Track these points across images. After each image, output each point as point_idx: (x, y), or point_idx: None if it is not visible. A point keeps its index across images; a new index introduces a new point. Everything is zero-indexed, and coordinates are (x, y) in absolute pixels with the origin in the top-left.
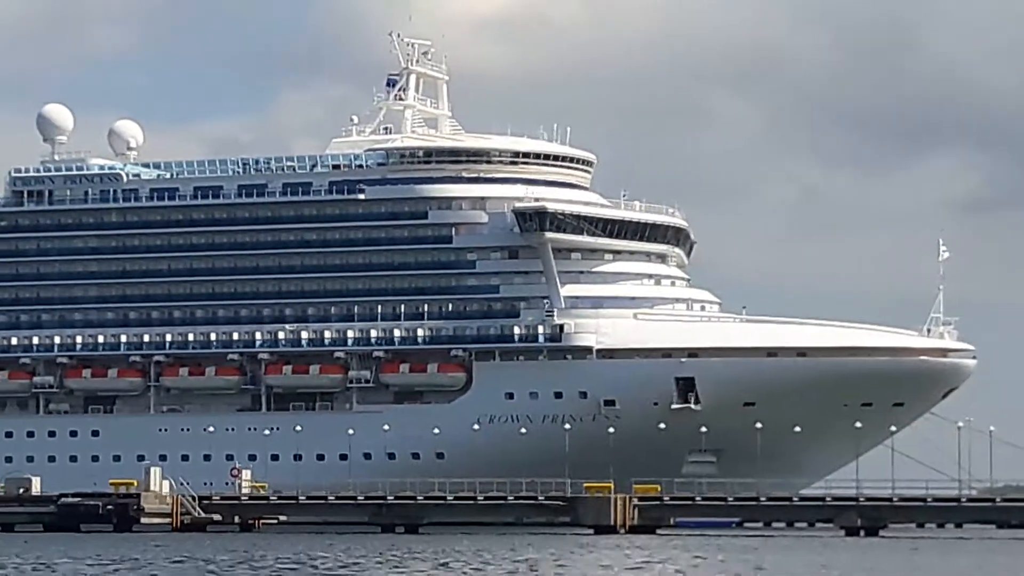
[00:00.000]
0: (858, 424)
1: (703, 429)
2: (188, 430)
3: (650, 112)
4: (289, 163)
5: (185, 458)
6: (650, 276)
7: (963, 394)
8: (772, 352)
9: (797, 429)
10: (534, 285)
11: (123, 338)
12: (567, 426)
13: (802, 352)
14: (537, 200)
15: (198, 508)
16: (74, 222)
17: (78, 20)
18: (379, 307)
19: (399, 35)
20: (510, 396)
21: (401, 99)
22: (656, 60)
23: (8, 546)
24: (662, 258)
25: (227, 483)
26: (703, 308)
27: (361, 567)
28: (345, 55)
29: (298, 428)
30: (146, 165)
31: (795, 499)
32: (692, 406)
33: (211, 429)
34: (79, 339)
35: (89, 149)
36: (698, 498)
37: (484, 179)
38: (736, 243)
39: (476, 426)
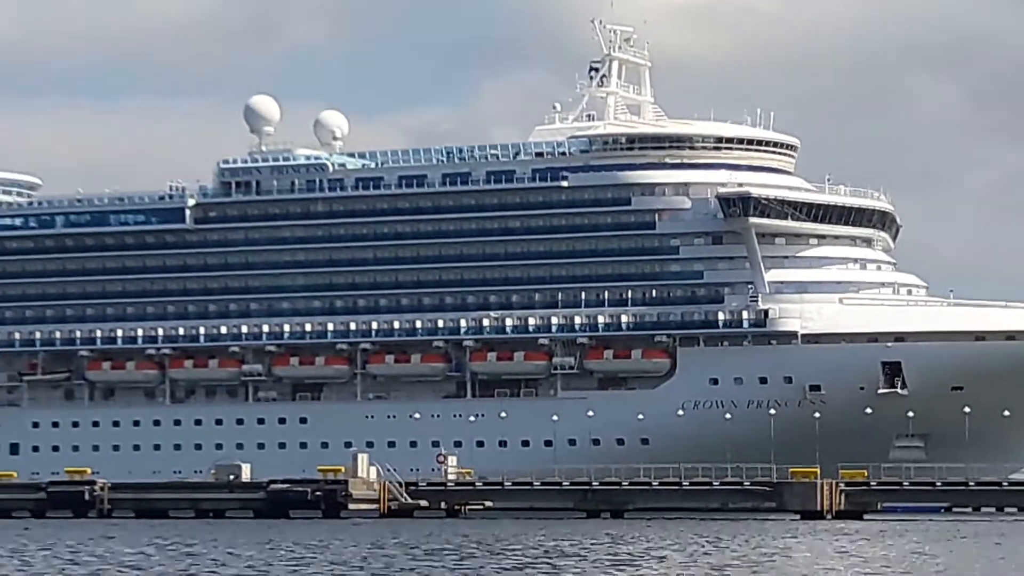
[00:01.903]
0: None
1: (910, 414)
2: (394, 417)
3: (853, 96)
4: (492, 151)
5: (392, 444)
6: (855, 260)
7: None
8: (980, 336)
9: (1006, 413)
10: (738, 270)
11: (330, 326)
12: (772, 411)
13: (1011, 335)
14: (741, 185)
15: (405, 494)
16: (281, 212)
17: (284, 12)
18: (583, 294)
19: (601, 22)
20: (714, 382)
21: (603, 86)
22: (858, 43)
23: (223, 531)
24: (868, 242)
25: (433, 469)
26: (909, 292)
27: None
28: (546, 43)
29: (503, 414)
30: (351, 155)
31: (1005, 484)
32: (899, 391)
33: (417, 416)
34: (287, 328)
35: (295, 140)
36: (906, 483)
37: (687, 165)
38: (942, 226)
39: (680, 412)
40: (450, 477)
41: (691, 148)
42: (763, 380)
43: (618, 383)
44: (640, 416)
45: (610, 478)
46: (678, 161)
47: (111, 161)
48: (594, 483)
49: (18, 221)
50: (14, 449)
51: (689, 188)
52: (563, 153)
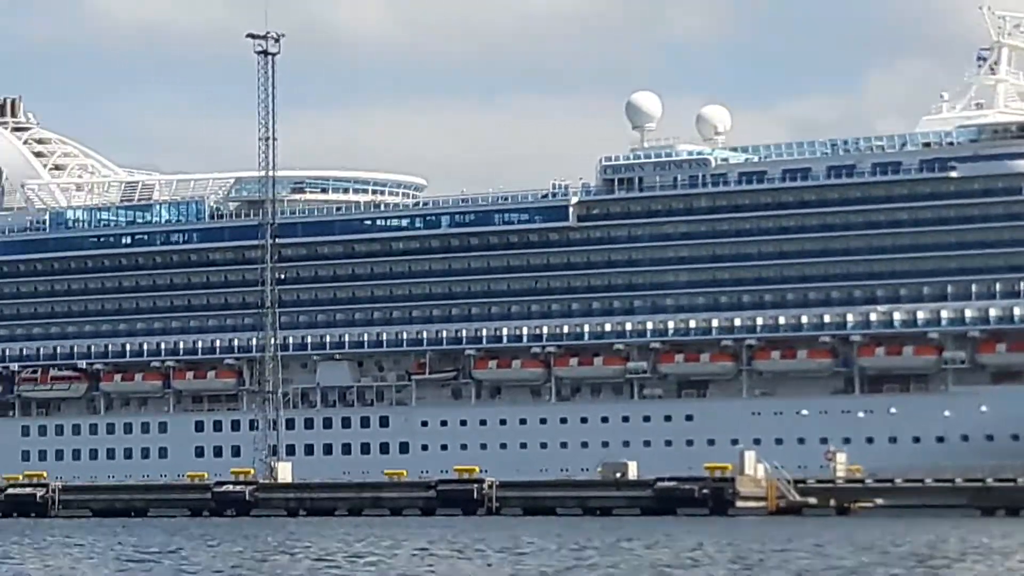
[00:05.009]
0: None
1: None
2: (781, 413)
3: None
4: (878, 142)
5: (779, 442)
6: None
7: None
8: None
9: None
10: None
11: (714, 322)
12: None
13: None
14: None
15: (793, 492)
16: (664, 208)
17: (664, 6)
18: (973, 286)
19: (990, 8)
20: None
21: (993, 73)
22: None
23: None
24: None
25: (821, 466)
26: None
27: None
28: (932, 31)
29: (892, 410)
30: (733, 149)
31: None
32: None
33: (804, 412)
34: (671, 324)
35: (677, 135)
36: None
37: None
38: None
39: None
40: (839, 474)
41: None
42: None
43: (1012, 377)
44: None
45: (1005, 475)
46: None
47: (494, 160)
48: (988, 480)
49: (405, 222)
50: (403, 448)
51: None
52: (951, 143)
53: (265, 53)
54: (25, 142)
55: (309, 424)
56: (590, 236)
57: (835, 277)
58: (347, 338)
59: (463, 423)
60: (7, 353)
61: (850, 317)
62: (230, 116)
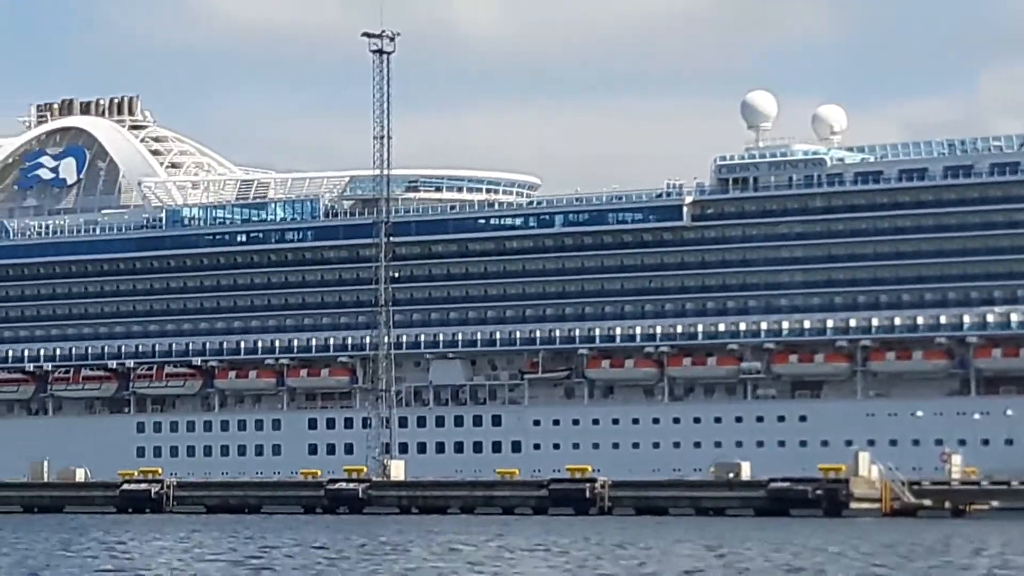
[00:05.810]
0: None
1: None
2: (896, 415)
3: None
4: (996, 143)
5: (893, 443)
6: None
7: None
8: None
9: None
10: None
11: (829, 323)
12: None
13: None
14: None
15: (908, 493)
16: (779, 208)
17: (780, 5)
18: None
19: None
20: None
21: None
22: None
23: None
24: None
25: (936, 468)
26: None
27: None
28: None
29: (1009, 412)
30: (849, 149)
31: None
32: None
33: (919, 414)
34: (785, 324)
35: (792, 135)
36: None
37: None
38: None
39: None
40: (954, 476)
41: None
42: None
43: None
44: None
45: None
46: None
47: (609, 159)
48: None
49: (519, 221)
50: (516, 447)
51: None
52: None
53: (380, 52)
54: (142, 140)
55: (422, 422)
56: (704, 236)
57: (951, 278)
58: (460, 337)
59: (575, 422)
60: (123, 350)
61: (967, 318)
62: (345, 115)
